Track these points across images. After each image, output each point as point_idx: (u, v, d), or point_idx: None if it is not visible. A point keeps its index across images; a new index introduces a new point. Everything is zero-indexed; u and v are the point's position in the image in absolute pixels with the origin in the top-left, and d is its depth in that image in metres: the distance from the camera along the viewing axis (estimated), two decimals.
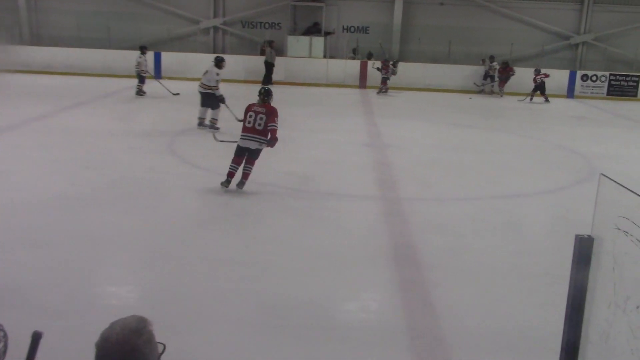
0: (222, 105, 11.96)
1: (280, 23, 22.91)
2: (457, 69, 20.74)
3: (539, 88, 18.81)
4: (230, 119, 11.11)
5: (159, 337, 1.91)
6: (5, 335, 2.11)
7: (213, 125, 11.97)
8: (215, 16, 23.06)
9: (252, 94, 18.14)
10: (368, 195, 8.26)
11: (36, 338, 2.07)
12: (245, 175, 7.80)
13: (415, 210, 7.60)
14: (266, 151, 10.46)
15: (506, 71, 19.87)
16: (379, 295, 5.40)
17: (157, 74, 20.60)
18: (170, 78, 20.26)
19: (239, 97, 17.70)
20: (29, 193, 7.59)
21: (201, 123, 12.22)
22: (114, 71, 20.32)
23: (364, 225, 7.03)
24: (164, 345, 1.86)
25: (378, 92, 18.95)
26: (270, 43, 20.61)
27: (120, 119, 13.21)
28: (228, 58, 21.07)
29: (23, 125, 11.94)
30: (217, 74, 12.08)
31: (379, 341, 4.48)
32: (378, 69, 19.11)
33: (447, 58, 21.32)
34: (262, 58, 20.97)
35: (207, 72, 12.14)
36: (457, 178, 9.29)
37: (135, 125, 12.45)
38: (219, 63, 12.27)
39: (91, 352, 1.81)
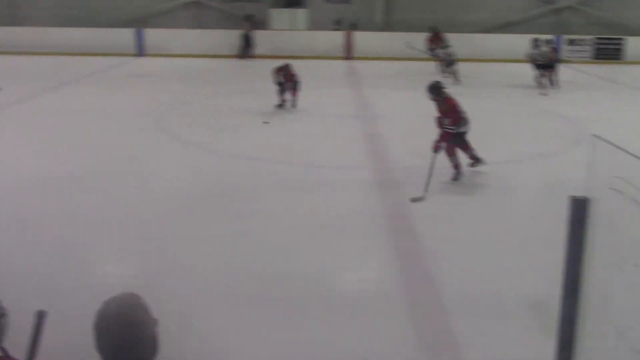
0: None
1: None
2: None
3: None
4: None
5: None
6: (5, 314, 2.09)
7: None
8: None
9: (236, 69, 18.13)
10: (359, 166, 8.25)
11: (41, 317, 2.06)
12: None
13: (407, 179, 7.59)
14: (257, 126, 10.41)
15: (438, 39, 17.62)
16: (375, 265, 5.42)
17: (140, 52, 20.36)
18: (154, 55, 20.05)
19: (225, 72, 17.64)
20: (16, 175, 7.53)
21: None
22: (95, 49, 20.01)
23: (356, 197, 7.02)
24: (156, 320, 1.87)
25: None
26: (248, 17, 20.30)
27: (105, 98, 13.05)
28: (212, 33, 21.02)
29: (6, 108, 11.78)
30: None
31: (377, 310, 4.51)
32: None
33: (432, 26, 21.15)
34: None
35: None
36: None
37: (121, 104, 12.31)
38: None
39: (84, 331, 1.80)
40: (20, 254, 5.39)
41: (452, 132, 7.25)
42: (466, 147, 7.64)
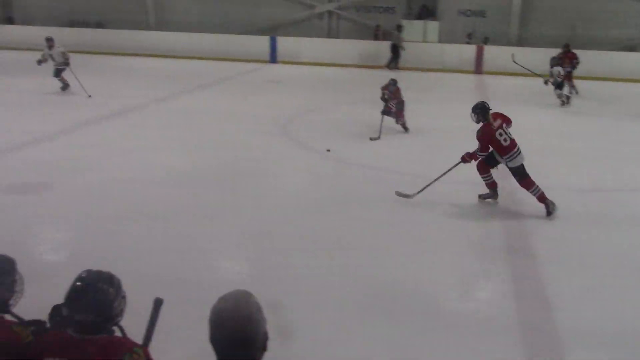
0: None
1: (394, 7, 22.67)
2: (581, 54, 19.56)
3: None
4: None
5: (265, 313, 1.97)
6: (124, 297, 2.27)
7: None
8: (330, 0, 23.19)
9: (365, 78, 18.30)
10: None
11: (158, 304, 2.21)
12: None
13: (529, 199, 7.32)
14: (378, 135, 10.44)
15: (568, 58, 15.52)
16: (490, 285, 5.28)
17: (272, 59, 21.10)
18: (284, 62, 20.69)
19: (353, 81, 17.85)
20: (149, 170, 8.09)
21: None
22: (231, 55, 20.98)
23: (475, 214, 6.88)
24: (266, 319, 1.93)
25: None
26: (399, 27, 20.41)
27: (236, 102, 13.65)
28: (342, 43, 21.40)
29: (146, 107, 12.66)
30: None
31: (489, 332, 4.39)
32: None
33: (569, 42, 20.20)
34: (376, 43, 20.95)
35: None
36: (575, 167, 8.87)
37: (251, 108, 12.80)
38: None
39: (198, 322, 1.90)
40: (143, 243, 5.77)
41: (479, 157, 6.83)
42: (528, 183, 6.70)
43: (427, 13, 22.24)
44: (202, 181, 7.70)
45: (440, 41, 21.32)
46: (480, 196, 7.21)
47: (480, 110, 6.85)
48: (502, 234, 6.34)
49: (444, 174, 7.09)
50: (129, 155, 8.83)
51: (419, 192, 7.07)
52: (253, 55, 20.98)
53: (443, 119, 12.22)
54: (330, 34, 23.11)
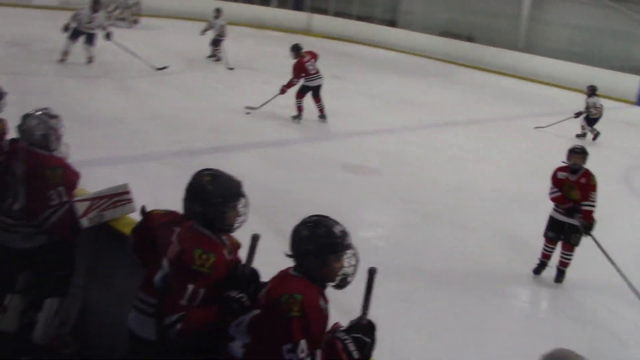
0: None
1: None
2: None
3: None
4: None
5: None
6: (357, 261, 2.45)
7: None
8: None
9: None
10: None
11: (372, 273, 2.38)
12: None
13: None
14: None
15: None
16: None
17: (639, 101, 19.43)
18: None
19: None
20: (473, 183, 8.43)
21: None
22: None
23: None
24: None
25: None
26: None
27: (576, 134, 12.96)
28: None
29: (492, 123, 12.97)
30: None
31: None
32: None
33: None
34: None
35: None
36: None
37: (594, 147, 11.97)
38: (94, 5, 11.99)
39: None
40: (448, 248, 6.10)
41: (294, 83, 9.97)
42: (317, 100, 10.19)
43: None
44: (521, 206, 7.70)
45: None
46: (292, 117, 10.14)
47: (295, 49, 10.16)
48: None
49: (271, 99, 10.04)
50: (456, 163, 9.26)
51: (259, 106, 10.09)
52: (617, 94, 19.57)
53: None
54: None
